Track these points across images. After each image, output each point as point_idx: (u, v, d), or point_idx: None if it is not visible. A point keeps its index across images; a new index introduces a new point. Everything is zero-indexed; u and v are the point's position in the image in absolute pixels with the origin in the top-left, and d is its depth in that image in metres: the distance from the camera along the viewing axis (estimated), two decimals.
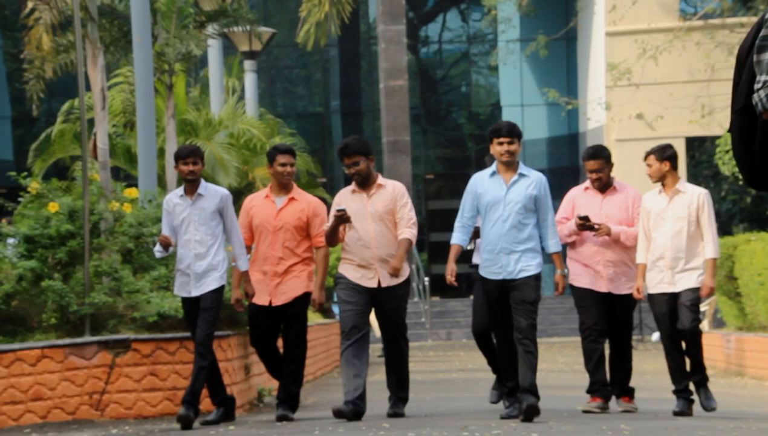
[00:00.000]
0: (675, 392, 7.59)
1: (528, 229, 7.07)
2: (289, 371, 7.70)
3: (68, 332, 8.17)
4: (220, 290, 7.38)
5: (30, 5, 11.90)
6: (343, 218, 7.23)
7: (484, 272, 7.15)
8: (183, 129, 14.36)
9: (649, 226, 7.55)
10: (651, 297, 7.60)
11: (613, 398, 7.79)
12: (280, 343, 7.91)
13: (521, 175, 7.14)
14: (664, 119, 21.82)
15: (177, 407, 7.66)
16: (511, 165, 7.14)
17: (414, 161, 23.73)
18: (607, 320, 7.68)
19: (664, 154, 7.57)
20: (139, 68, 9.75)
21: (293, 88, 26.21)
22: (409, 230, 7.34)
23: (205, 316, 7.30)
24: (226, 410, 7.58)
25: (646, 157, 7.64)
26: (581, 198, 7.83)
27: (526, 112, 24.44)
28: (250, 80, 16.87)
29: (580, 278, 7.72)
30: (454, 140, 26.13)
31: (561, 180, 21.04)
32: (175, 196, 7.53)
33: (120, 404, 7.97)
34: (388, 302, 7.38)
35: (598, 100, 22.46)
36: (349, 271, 7.36)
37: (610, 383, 7.73)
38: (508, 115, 24.19)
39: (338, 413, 7.20)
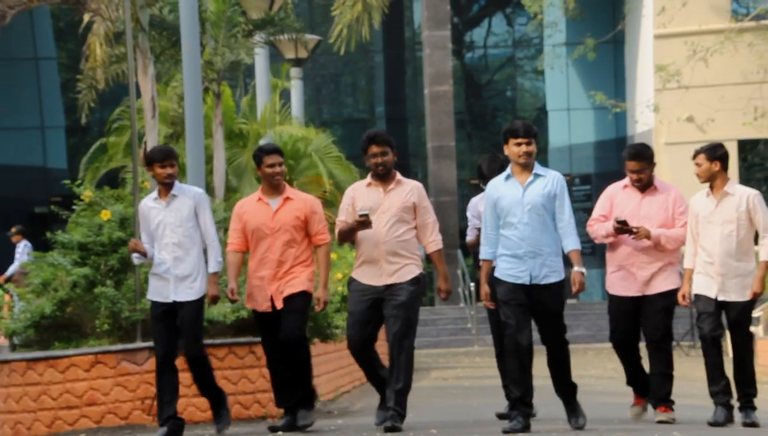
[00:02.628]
0: (712, 393, 7.18)
1: (548, 229, 6.86)
2: (296, 371, 7.26)
3: (120, 337, 8.28)
4: (200, 300, 7.16)
5: (86, 18, 12.10)
6: (365, 224, 7.08)
7: (503, 275, 6.88)
8: (230, 137, 14.49)
9: (697, 230, 7.25)
10: (697, 297, 7.25)
11: (650, 407, 7.41)
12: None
13: (537, 175, 6.95)
14: (714, 122, 21.53)
15: None
16: (527, 166, 6.97)
17: (459, 166, 23.70)
18: (638, 325, 7.29)
19: (715, 153, 7.25)
20: (188, 77, 9.85)
21: (338, 95, 26.30)
22: (438, 237, 7.21)
23: (190, 331, 7.07)
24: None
25: (695, 156, 7.29)
26: (620, 196, 7.51)
27: (572, 116, 24.29)
28: (296, 87, 16.98)
29: (615, 286, 7.38)
30: (499, 145, 25.91)
31: (608, 184, 20.82)
32: (149, 199, 7.26)
33: None
34: (397, 297, 7.08)
35: (647, 102, 22.26)
36: (358, 273, 7.20)
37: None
38: (554, 119, 24.05)
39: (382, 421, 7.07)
